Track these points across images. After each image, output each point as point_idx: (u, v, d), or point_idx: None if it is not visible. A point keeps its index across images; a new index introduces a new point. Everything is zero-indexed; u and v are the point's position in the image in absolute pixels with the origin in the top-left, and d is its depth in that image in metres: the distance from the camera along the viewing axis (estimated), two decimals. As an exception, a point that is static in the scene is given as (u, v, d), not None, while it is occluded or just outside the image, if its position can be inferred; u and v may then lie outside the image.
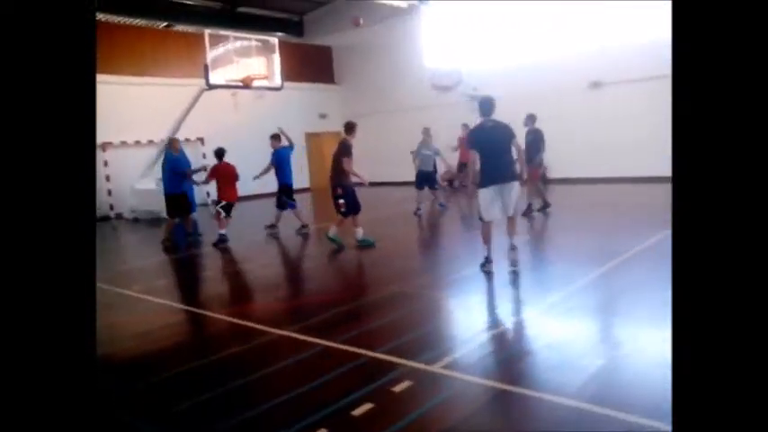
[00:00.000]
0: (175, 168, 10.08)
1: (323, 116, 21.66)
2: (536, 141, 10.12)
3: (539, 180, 10.93)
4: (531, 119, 10.27)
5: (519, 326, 4.73)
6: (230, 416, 3.29)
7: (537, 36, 16.60)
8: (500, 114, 6.23)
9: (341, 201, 8.37)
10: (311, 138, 21.36)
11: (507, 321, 4.87)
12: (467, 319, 5.08)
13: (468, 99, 17.86)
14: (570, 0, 15.31)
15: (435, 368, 3.75)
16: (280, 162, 10.74)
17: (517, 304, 5.36)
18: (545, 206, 10.35)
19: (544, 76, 16.02)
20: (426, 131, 12.72)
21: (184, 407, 3.50)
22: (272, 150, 10.93)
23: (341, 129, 21.67)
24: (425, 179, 12.34)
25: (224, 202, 9.86)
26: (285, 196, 10.83)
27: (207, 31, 12.87)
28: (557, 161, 14.96)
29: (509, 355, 4.11)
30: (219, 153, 9.90)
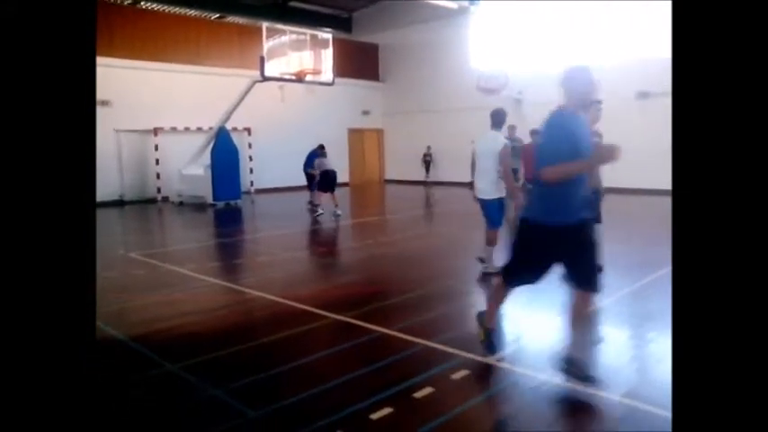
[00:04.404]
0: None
1: (366, 112, 21.93)
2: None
3: None
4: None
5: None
6: (298, 391, 3.52)
7: (585, 43, 16.54)
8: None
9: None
10: (353, 133, 21.67)
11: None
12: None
13: (514, 102, 17.90)
14: (621, 7, 15.24)
15: (491, 360, 3.92)
16: None
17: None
18: None
19: (591, 83, 15.94)
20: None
21: (241, 384, 3.73)
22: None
23: (382, 125, 22.16)
24: None
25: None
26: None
27: (264, 24, 13.15)
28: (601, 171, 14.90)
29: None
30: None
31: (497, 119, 6.33)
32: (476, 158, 6.49)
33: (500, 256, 6.50)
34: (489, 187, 6.29)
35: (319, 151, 12.88)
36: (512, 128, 11.10)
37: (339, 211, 12.22)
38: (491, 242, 6.48)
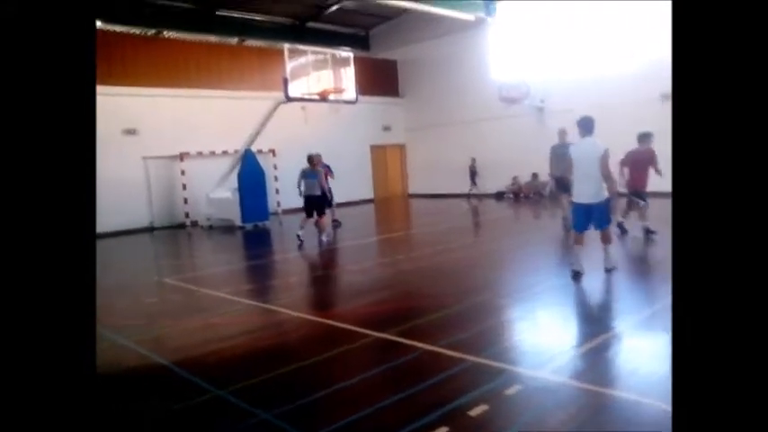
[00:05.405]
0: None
1: (387, 128, 21.99)
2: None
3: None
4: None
5: (620, 335, 4.73)
6: (350, 412, 3.46)
7: (605, 47, 16.41)
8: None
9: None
10: (375, 150, 21.75)
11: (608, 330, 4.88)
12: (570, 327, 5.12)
13: (536, 111, 17.81)
14: (638, 9, 15.12)
15: (542, 373, 3.83)
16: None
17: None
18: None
19: (612, 87, 15.78)
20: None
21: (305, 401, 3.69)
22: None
23: (404, 141, 22.17)
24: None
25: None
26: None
27: (286, 46, 13.28)
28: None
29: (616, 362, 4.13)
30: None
31: (589, 126, 6.46)
32: (574, 165, 6.55)
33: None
34: (595, 190, 6.33)
35: (306, 168, 11.22)
36: (562, 132, 10.61)
37: (325, 237, 11.06)
38: (609, 240, 6.65)
